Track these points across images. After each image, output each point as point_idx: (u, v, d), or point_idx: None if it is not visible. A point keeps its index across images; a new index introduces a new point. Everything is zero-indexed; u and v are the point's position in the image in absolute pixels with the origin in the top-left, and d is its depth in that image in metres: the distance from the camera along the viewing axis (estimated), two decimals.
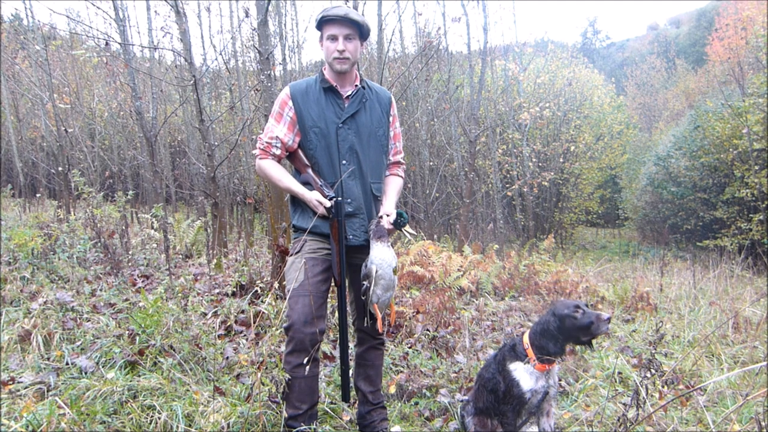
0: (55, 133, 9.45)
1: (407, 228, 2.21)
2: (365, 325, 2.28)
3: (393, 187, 2.37)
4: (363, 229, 2.22)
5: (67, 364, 2.57)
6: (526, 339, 2.10)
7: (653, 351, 2.10)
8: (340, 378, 2.44)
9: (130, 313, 3.05)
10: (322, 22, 2.15)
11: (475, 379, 2.34)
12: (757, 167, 10.28)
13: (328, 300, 2.34)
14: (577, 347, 3.43)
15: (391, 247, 2.13)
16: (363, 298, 2.16)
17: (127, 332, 2.85)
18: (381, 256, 2.08)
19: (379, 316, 2.17)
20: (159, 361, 2.61)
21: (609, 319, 1.98)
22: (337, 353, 3.16)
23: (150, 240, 6.17)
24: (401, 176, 2.44)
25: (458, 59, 11.90)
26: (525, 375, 2.03)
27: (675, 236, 13.89)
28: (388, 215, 2.19)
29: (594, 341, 2.07)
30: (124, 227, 5.75)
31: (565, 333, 2.02)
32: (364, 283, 2.12)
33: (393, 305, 2.24)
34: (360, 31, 2.17)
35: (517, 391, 2.02)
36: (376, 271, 2.07)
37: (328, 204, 2.11)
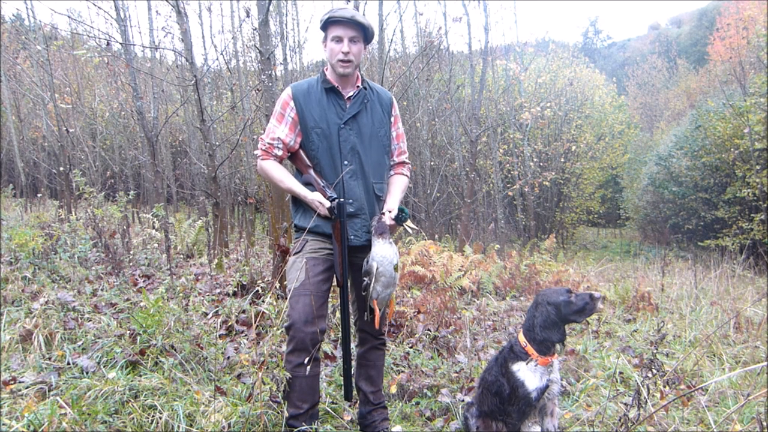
0: (56, 133, 9.46)
1: (408, 223, 2.22)
2: (365, 320, 2.29)
3: (397, 185, 2.36)
4: (365, 229, 2.22)
5: (68, 363, 2.57)
6: (521, 338, 2.09)
7: (654, 351, 2.10)
8: (341, 378, 2.44)
9: (131, 313, 3.05)
10: (328, 23, 2.15)
11: (477, 383, 2.33)
12: (758, 167, 10.26)
13: (329, 300, 2.34)
14: (578, 347, 3.46)
15: (392, 243, 2.13)
16: (363, 294, 2.17)
17: (128, 332, 2.85)
18: (382, 253, 2.09)
19: (378, 312, 2.17)
20: (160, 361, 2.61)
21: (600, 298, 2.05)
22: (338, 353, 3.16)
23: (151, 240, 6.18)
24: (406, 175, 2.44)
25: (459, 59, 11.90)
26: (529, 374, 2.02)
27: (676, 236, 13.88)
28: (390, 211, 2.19)
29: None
30: (125, 227, 5.75)
31: (561, 319, 2.05)
32: (365, 279, 2.13)
33: (393, 302, 2.25)
34: (365, 34, 2.18)
35: (522, 392, 2.01)
36: (377, 268, 2.07)
37: (330, 205, 2.12)
